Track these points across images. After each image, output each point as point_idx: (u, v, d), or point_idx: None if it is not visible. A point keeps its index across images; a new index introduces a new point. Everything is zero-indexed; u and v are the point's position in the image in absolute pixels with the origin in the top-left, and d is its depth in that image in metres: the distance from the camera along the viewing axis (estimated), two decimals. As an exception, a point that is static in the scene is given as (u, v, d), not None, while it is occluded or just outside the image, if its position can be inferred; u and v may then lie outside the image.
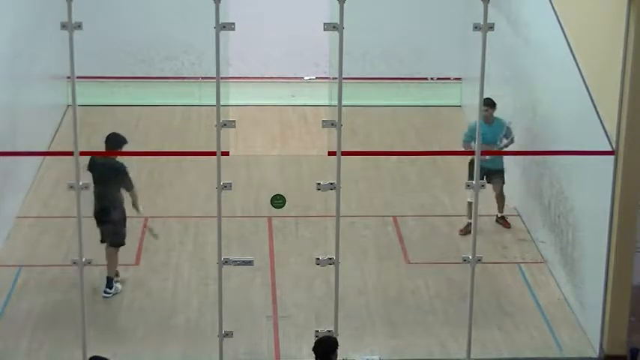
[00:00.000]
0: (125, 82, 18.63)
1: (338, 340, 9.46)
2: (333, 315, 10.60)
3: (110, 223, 12.36)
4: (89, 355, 9.62)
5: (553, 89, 13.23)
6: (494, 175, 14.01)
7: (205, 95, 17.16)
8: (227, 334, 10.56)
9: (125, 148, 12.44)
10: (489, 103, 13.90)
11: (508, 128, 13.99)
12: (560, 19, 12.72)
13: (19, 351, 11.45)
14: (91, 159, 12.23)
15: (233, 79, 17.38)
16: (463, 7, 17.32)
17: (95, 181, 12.12)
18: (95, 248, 12.68)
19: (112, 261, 12.45)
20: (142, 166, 15.72)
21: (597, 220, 11.45)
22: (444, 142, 17.21)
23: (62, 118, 17.48)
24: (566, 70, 12.33)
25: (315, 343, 9.18)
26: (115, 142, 12.27)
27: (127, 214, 12.51)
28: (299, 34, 18.08)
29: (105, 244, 12.43)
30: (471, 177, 13.58)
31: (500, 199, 14.31)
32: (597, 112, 11.46)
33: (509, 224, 14.29)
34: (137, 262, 13.27)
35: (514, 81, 14.94)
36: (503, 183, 14.22)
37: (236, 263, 10.50)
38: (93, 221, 12.48)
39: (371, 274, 13.13)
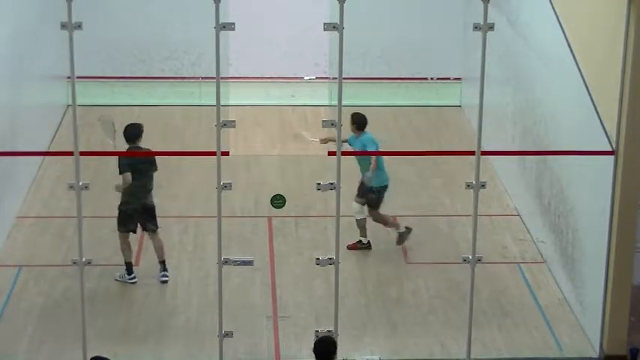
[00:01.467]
0: (125, 82, 18.64)
1: (338, 340, 9.46)
2: (333, 315, 10.60)
3: (150, 210, 12.68)
4: (89, 355, 9.62)
5: (553, 89, 13.23)
6: (366, 192, 13.36)
7: (205, 95, 17.16)
8: (227, 334, 10.56)
9: (125, 149, 12.47)
10: (356, 122, 13.33)
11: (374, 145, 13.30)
12: (560, 19, 12.73)
13: (19, 351, 11.45)
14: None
15: (233, 79, 17.40)
16: (463, 7, 17.33)
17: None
18: (95, 248, 12.70)
19: (161, 244, 12.83)
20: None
21: (597, 220, 11.45)
22: (444, 142, 17.22)
23: (62, 118, 17.48)
24: (566, 70, 12.33)
25: (315, 343, 9.17)
26: (131, 134, 12.60)
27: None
28: (299, 34, 18.09)
29: (123, 236, 12.76)
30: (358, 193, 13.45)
31: (379, 219, 13.52)
32: (597, 112, 11.46)
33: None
34: (137, 263, 13.25)
35: (514, 81, 14.95)
36: (372, 206, 13.40)
37: (236, 263, 10.50)
38: (93, 221, 12.48)
39: (371, 274, 13.13)
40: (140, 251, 13.48)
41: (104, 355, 9.10)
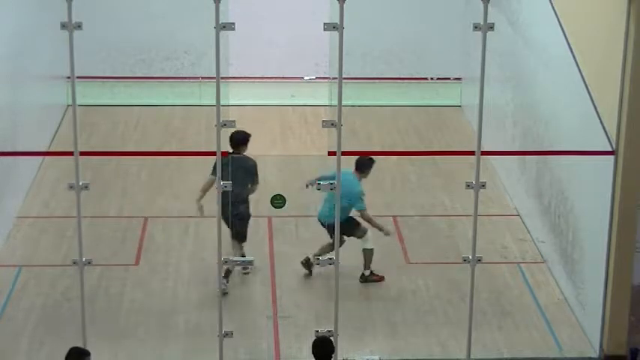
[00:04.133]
0: (125, 82, 18.64)
1: (337, 340, 9.46)
2: (333, 315, 10.59)
3: (240, 218, 12.49)
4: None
5: (553, 89, 13.24)
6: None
7: (205, 95, 17.14)
8: (227, 334, 10.55)
9: (125, 149, 12.44)
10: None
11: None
12: (560, 19, 12.73)
13: (19, 351, 11.45)
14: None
15: (233, 79, 17.38)
16: (463, 7, 17.33)
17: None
18: (95, 248, 12.71)
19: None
20: (141, 166, 15.73)
21: (597, 220, 11.45)
22: (443, 142, 17.23)
23: (62, 118, 17.48)
24: (566, 70, 12.33)
25: (314, 344, 9.18)
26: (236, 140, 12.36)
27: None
28: (299, 34, 18.09)
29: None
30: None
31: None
32: (597, 112, 11.46)
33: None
34: (137, 262, 13.27)
35: (514, 81, 14.94)
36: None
37: (236, 263, 10.49)
38: (93, 221, 12.47)
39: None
40: (140, 251, 13.48)
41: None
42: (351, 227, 12.68)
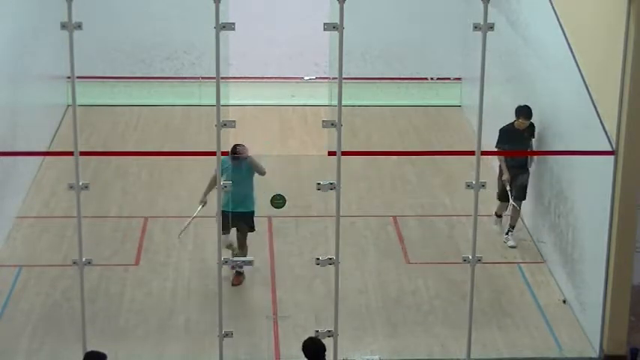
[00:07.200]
0: (125, 82, 18.64)
1: (337, 340, 9.46)
2: (333, 315, 10.60)
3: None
4: (89, 354, 9.62)
5: (553, 89, 13.23)
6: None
7: (205, 95, 17.16)
8: (227, 334, 10.55)
9: (125, 149, 12.43)
10: None
11: None
12: (560, 19, 12.73)
13: (19, 351, 11.45)
14: None
15: (233, 79, 17.39)
16: (463, 7, 17.33)
17: None
18: (95, 248, 12.71)
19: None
20: (141, 166, 15.73)
21: (597, 220, 11.45)
22: (444, 142, 17.23)
23: (62, 118, 17.48)
24: (566, 70, 12.33)
25: (305, 344, 9.22)
26: None
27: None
28: (299, 34, 18.09)
29: None
30: None
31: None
32: (597, 112, 11.47)
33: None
34: (137, 262, 13.27)
35: (514, 81, 14.94)
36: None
37: (236, 263, 10.49)
38: (93, 221, 12.47)
39: (371, 274, 13.13)
40: (140, 251, 13.48)
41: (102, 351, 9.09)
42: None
